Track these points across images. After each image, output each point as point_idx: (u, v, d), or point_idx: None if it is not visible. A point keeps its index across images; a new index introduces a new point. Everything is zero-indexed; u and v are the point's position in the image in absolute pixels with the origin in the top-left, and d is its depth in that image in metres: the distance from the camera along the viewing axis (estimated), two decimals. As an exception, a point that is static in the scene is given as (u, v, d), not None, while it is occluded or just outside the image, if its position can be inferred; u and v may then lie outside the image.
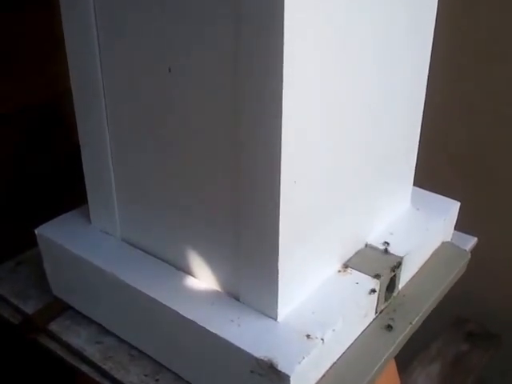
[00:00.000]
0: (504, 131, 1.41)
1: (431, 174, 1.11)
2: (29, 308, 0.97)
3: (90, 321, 0.94)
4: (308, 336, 0.74)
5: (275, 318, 0.77)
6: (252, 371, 0.73)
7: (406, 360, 1.17)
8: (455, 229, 1.07)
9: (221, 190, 0.75)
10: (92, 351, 0.89)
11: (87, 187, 0.93)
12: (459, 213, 1.05)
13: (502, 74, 1.37)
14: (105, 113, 0.84)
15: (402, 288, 0.92)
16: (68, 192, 1.08)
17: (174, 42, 0.72)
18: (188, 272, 0.85)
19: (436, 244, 1.02)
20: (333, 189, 0.79)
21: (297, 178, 0.69)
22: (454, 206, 1.03)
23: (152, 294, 0.81)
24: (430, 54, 0.91)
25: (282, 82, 0.62)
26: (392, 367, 1.14)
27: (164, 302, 0.80)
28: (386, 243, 0.91)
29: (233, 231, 0.76)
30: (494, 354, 1.56)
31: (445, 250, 1.02)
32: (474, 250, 1.07)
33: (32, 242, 0.96)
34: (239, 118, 0.68)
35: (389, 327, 0.86)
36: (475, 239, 1.09)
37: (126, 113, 0.82)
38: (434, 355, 1.55)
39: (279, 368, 0.70)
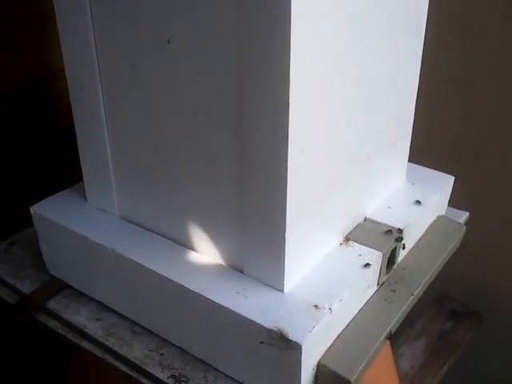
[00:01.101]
0: (498, 107, 1.41)
1: (425, 150, 1.11)
2: (26, 287, 0.96)
3: (88, 298, 0.94)
4: (316, 306, 0.75)
5: (282, 290, 0.77)
6: (262, 342, 0.73)
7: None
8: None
9: (225, 160, 0.75)
10: (93, 328, 0.89)
11: (82, 163, 0.92)
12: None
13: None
14: (100, 89, 0.83)
15: (402, 261, 0.93)
16: (57, 173, 1.08)
17: (172, 13, 0.71)
18: (190, 247, 0.85)
19: (432, 218, 1.02)
20: (335, 161, 0.79)
21: (303, 148, 0.69)
22: (448, 180, 1.04)
23: (155, 269, 0.81)
24: (423, 33, 0.91)
25: (289, 48, 0.61)
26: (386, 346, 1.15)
27: (168, 276, 0.80)
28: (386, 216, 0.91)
29: (237, 204, 0.75)
30: (476, 330, 1.58)
31: (440, 224, 1.03)
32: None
33: (24, 222, 0.95)
34: (244, 87, 0.67)
35: (391, 298, 0.86)
36: (467, 214, 1.10)
37: (124, 88, 0.81)
38: (419, 332, 1.57)
39: (290, 337, 0.70)
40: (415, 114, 0.99)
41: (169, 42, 0.72)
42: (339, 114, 0.76)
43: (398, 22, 0.83)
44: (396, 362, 1.40)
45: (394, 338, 1.30)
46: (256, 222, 0.74)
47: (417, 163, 1.07)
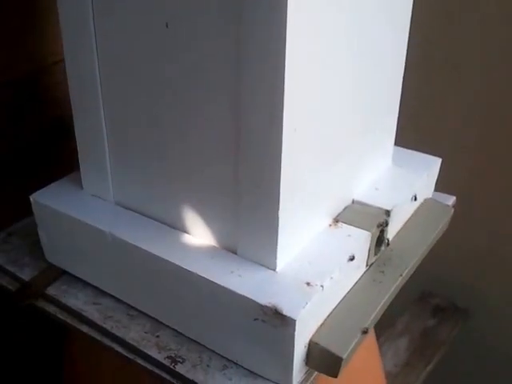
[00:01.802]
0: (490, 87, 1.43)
1: (411, 133, 1.13)
2: (25, 275, 0.98)
3: (85, 284, 0.96)
4: (308, 283, 0.77)
5: (274, 269, 0.79)
6: (256, 319, 0.75)
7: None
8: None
9: (219, 144, 0.77)
10: (91, 312, 0.91)
11: (79, 151, 0.94)
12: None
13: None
14: (98, 75, 0.85)
15: (390, 242, 0.95)
16: (49, 164, 1.10)
17: None
18: (185, 230, 0.87)
19: (419, 200, 1.04)
20: (326, 141, 0.81)
21: (297, 126, 0.71)
22: (435, 162, 1.06)
23: (151, 250, 0.83)
24: (410, 12, 0.94)
25: (285, 30, 0.64)
26: (372, 340, 1.17)
27: (164, 257, 0.82)
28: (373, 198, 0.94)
29: (231, 185, 0.78)
30: (462, 327, 1.58)
31: (428, 206, 1.05)
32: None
33: (20, 213, 0.97)
34: (241, 68, 0.69)
35: (380, 279, 0.89)
36: (453, 198, 1.12)
37: (122, 73, 0.84)
38: (401, 330, 1.57)
39: (284, 313, 0.72)
40: (402, 98, 1.01)
41: (167, 25, 0.74)
42: (332, 91, 0.79)
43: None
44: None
45: (376, 336, 1.32)
46: (250, 203, 0.77)
47: (404, 146, 1.09)
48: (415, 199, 1.02)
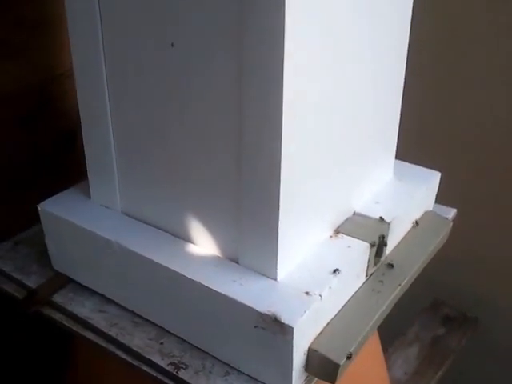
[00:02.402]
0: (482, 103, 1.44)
1: (411, 148, 1.15)
2: (32, 283, 1.00)
3: (92, 292, 0.98)
4: (307, 293, 0.79)
5: (275, 278, 0.81)
6: (256, 326, 0.77)
7: (383, 344, 1.21)
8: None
9: (221, 156, 0.80)
10: (97, 319, 0.93)
11: (88, 162, 0.97)
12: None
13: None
14: (106, 88, 0.88)
15: (389, 254, 0.97)
16: (58, 174, 1.12)
17: (175, 18, 0.76)
18: (189, 240, 0.89)
19: (419, 213, 1.07)
20: (326, 155, 0.83)
21: (296, 140, 0.74)
22: (435, 176, 1.08)
23: (156, 259, 0.85)
24: (409, 26, 0.96)
25: (283, 47, 0.66)
26: (377, 346, 1.19)
27: (169, 267, 0.84)
28: (374, 210, 0.96)
29: (233, 197, 0.80)
30: (471, 336, 1.60)
31: (428, 219, 1.07)
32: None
33: (27, 223, 0.99)
34: (244, 86, 0.72)
35: (379, 288, 0.90)
36: (454, 210, 1.14)
37: (129, 89, 0.86)
38: (412, 339, 1.58)
39: (283, 320, 0.75)
40: (403, 111, 1.03)
41: (172, 45, 0.77)
42: (331, 106, 0.81)
43: (382, 19, 0.88)
44: (388, 369, 1.43)
45: (386, 345, 1.33)
46: (250, 215, 0.79)
47: (404, 160, 1.11)
48: (417, 224, 1.05)
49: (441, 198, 1.12)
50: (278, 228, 0.77)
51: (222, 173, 0.81)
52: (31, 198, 1.00)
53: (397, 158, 1.08)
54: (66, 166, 1.01)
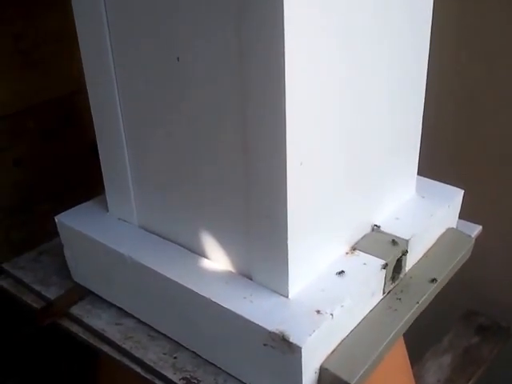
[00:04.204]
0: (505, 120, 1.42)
1: (435, 164, 1.14)
2: (51, 294, 1.02)
3: (109, 304, 0.99)
4: (318, 311, 0.78)
5: (286, 295, 0.81)
6: (265, 344, 0.77)
7: (419, 352, 1.20)
8: (460, 218, 1.11)
9: (233, 178, 0.80)
10: (112, 332, 0.94)
11: (104, 176, 0.98)
12: (464, 203, 1.08)
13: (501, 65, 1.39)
14: (119, 105, 0.89)
15: (409, 270, 0.96)
16: (83, 185, 1.13)
17: (181, 34, 0.76)
18: (203, 255, 0.89)
19: (441, 230, 1.05)
20: (335, 174, 0.82)
21: (303, 160, 0.73)
22: (458, 194, 1.07)
23: (169, 275, 0.85)
24: (428, 44, 0.95)
25: (284, 61, 0.66)
26: (403, 355, 1.17)
27: (181, 282, 0.84)
28: (393, 227, 0.95)
29: (244, 215, 0.80)
30: (503, 346, 1.58)
31: (449, 236, 1.06)
32: (482, 242, 1.10)
33: (53, 232, 1.01)
34: (246, 101, 0.72)
35: (396, 306, 0.89)
36: (480, 227, 1.12)
37: (139, 103, 0.87)
38: (446, 347, 1.57)
39: (291, 340, 0.74)
40: (424, 127, 1.01)
41: (178, 59, 0.78)
42: (339, 126, 0.80)
43: (402, 35, 0.87)
44: (422, 377, 1.43)
45: (420, 353, 1.32)
46: (261, 232, 0.79)
47: (428, 177, 1.10)
48: (436, 229, 1.02)
49: (468, 214, 1.10)
50: (287, 246, 0.76)
51: (233, 192, 0.81)
52: (57, 209, 1.01)
53: (421, 174, 1.07)
54: (91, 178, 1.02)
